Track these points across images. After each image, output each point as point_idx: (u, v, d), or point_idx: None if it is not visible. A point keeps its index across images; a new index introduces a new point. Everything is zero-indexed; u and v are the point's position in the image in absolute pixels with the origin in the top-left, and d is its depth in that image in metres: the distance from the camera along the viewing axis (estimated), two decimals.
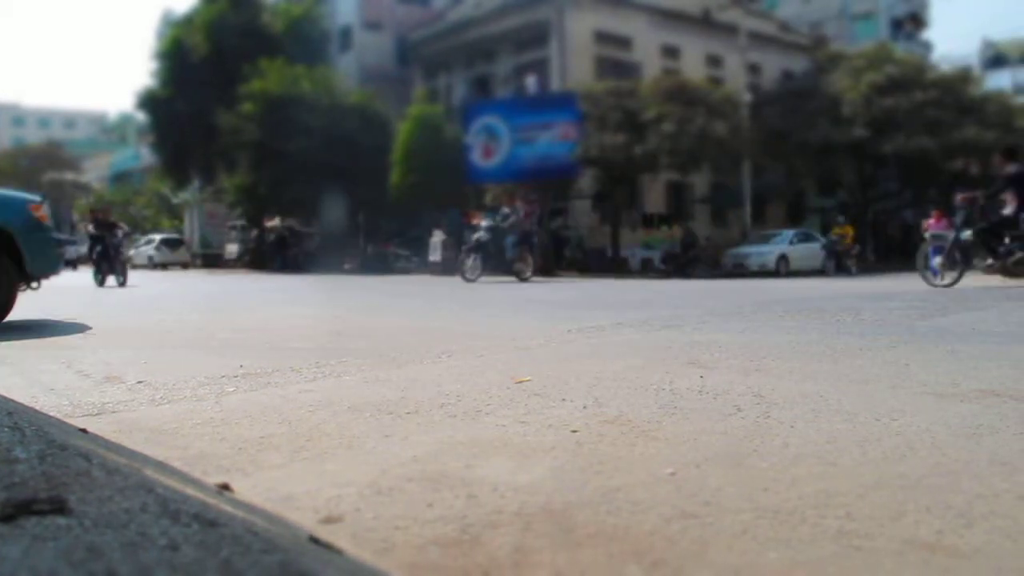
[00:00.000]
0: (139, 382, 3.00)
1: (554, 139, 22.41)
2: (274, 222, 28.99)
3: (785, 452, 1.83)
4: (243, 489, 1.59)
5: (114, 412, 2.44)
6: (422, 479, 1.66)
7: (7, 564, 0.89)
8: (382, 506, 1.49)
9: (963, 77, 25.17)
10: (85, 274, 17.92)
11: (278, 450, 1.94)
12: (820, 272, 20.62)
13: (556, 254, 21.73)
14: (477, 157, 23.51)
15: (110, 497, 1.18)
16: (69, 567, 0.90)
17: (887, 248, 28.84)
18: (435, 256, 20.69)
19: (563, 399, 2.50)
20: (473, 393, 2.65)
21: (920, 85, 23.27)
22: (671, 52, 29.27)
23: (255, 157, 25.47)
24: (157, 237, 34.12)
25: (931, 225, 13.83)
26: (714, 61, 29.93)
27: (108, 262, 14.49)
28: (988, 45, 49.59)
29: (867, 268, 22.36)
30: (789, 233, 22.46)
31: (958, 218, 10.49)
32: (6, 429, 1.61)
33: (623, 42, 28.21)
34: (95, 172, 55.22)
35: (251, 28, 28.78)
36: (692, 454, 1.83)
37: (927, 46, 43.56)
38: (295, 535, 1.27)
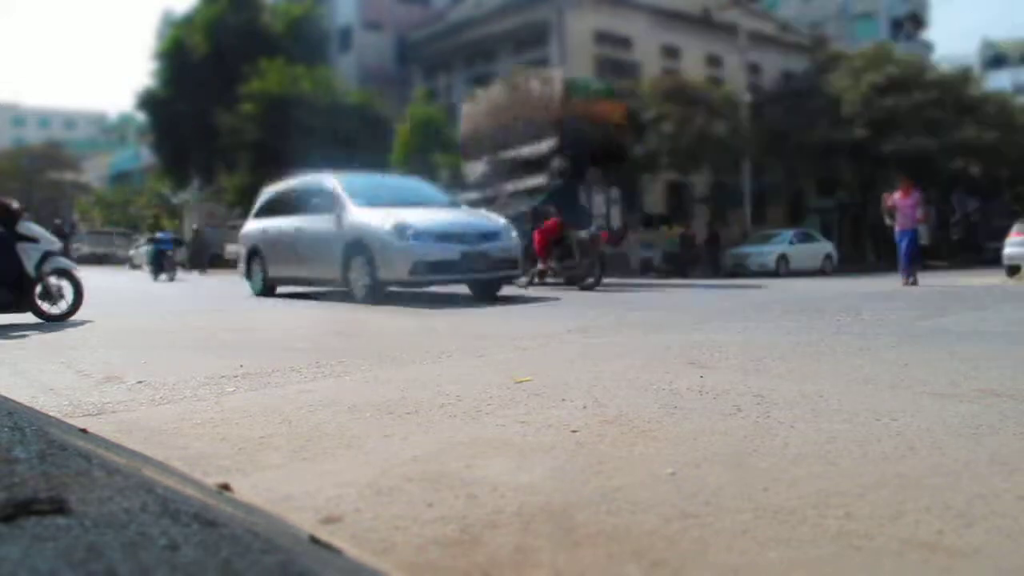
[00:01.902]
0: (139, 382, 3.00)
1: None
2: None
3: (785, 452, 1.83)
4: (243, 489, 1.59)
5: (114, 412, 2.44)
6: (422, 479, 1.66)
7: (7, 564, 0.89)
8: (382, 506, 1.49)
9: (963, 77, 25.16)
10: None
11: (278, 450, 1.94)
12: (820, 272, 20.63)
13: None
14: None
15: (110, 497, 1.18)
16: (69, 567, 0.90)
17: (887, 248, 28.83)
18: None
19: (563, 399, 2.50)
20: (473, 393, 2.65)
21: (920, 85, 23.26)
22: (671, 52, 29.27)
23: (255, 157, 25.47)
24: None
25: (897, 200, 11.36)
26: (714, 61, 29.93)
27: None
28: (988, 45, 49.60)
29: (866, 268, 22.36)
30: (789, 233, 22.45)
31: None
32: (6, 429, 1.61)
33: (623, 42, 28.21)
34: (95, 172, 55.18)
35: (251, 28, 28.78)
36: (692, 454, 1.83)
37: (927, 46, 43.56)
38: (295, 535, 1.27)
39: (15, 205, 6.48)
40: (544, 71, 16.16)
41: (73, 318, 6.48)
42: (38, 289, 6.39)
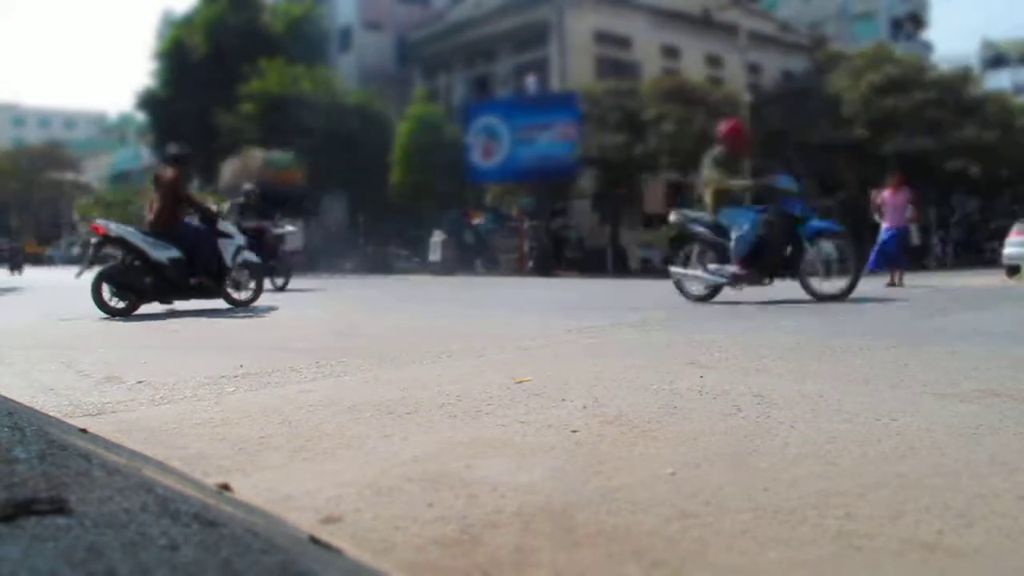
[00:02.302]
0: (139, 382, 3.00)
1: (554, 139, 22.42)
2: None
3: (785, 452, 1.83)
4: (243, 489, 1.59)
5: (114, 412, 2.44)
6: (422, 479, 1.66)
7: (7, 564, 0.89)
8: (382, 506, 1.49)
9: (963, 77, 25.13)
10: None
11: (278, 450, 1.94)
12: None
13: (556, 254, 21.75)
14: (477, 157, 23.52)
15: (110, 497, 1.18)
16: (69, 567, 0.90)
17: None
18: (435, 256, 20.65)
19: (563, 399, 2.50)
20: (473, 393, 2.64)
21: (920, 85, 23.24)
22: (671, 52, 29.29)
23: None
24: None
25: (886, 197, 10.71)
26: (714, 61, 29.94)
27: None
28: (988, 45, 49.56)
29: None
30: None
31: None
32: (6, 429, 1.61)
33: (623, 42, 28.22)
34: (95, 172, 55.16)
35: (251, 28, 28.80)
36: (692, 454, 1.83)
37: (927, 46, 43.55)
38: (295, 535, 1.27)
39: (215, 207, 7.88)
40: (255, 153, 25.02)
41: (256, 305, 7.66)
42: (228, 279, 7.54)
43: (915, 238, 10.41)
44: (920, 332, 4.46)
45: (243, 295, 7.69)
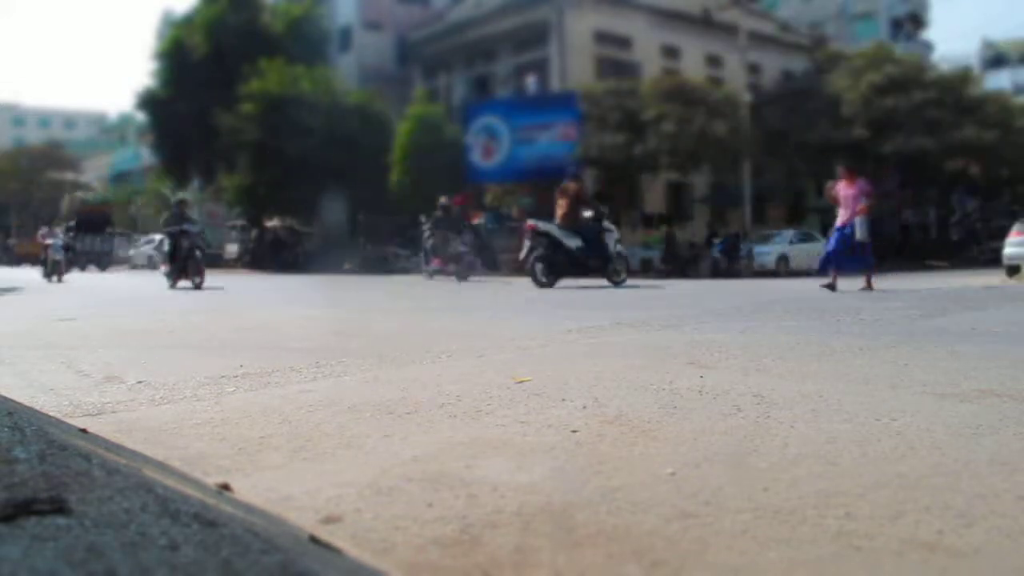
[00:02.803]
0: (139, 382, 3.00)
1: (554, 139, 22.45)
2: (273, 222, 28.99)
3: (785, 452, 1.83)
4: (243, 489, 1.59)
5: (114, 412, 2.44)
6: (422, 479, 1.66)
7: (7, 564, 0.89)
8: (382, 506, 1.49)
9: (963, 77, 25.16)
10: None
11: (278, 450, 1.94)
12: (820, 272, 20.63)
13: None
14: (477, 157, 23.54)
15: (110, 497, 1.18)
16: (69, 567, 0.90)
17: (886, 248, 28.77)
18: None
19: (563, 399, 2.50)
20: (473, 393, 2.64)
21: (920, 85, 23.26)
22: (671, 52, 29.30)
23: (255, 157, 25.49)
24: (157, 237, 34.03)
25: (840, 188, 9.86)
26: (714, 61, 29.95)
27: None
28: (988, 45, 49.58)
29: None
30: (789, 233, 22.45)
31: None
32: (6, 429, 1.61)
33: (623, 42, 28.23)
34: (95, 172, 55.11)
35: (251, 28, 28.78)
36: (692, 454, 1.83)
37: (927, 46, 43.53)
38: (295, 535, 1.27)
39: (602, 209, 11.52)
40: (76, 195, 37.79)
41: (626, 284, 10.81)
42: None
43: (860, 233, 9.42)
44: (920, 332, 4.46)
45: (620, 277, 11.00)
